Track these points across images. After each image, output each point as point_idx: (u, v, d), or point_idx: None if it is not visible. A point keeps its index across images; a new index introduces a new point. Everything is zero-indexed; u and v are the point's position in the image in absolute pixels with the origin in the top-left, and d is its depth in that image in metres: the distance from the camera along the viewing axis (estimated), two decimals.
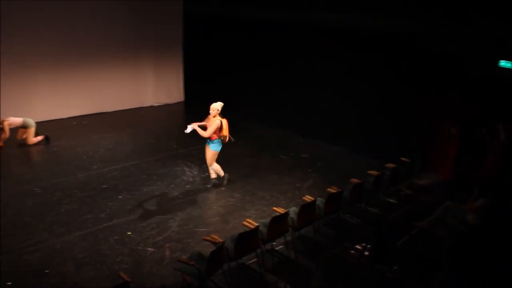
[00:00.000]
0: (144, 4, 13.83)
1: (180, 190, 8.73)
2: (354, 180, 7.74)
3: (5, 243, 6.68)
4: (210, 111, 8.44)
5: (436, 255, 6.22)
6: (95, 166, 9.74)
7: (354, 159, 10.60)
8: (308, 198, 7.10)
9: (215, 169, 8.81)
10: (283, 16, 12.05)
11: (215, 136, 8.42)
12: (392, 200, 8.36)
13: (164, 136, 12.03)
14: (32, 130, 10.69)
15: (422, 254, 6.45)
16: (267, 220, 6.39)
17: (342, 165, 10.27)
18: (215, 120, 8.34)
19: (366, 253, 6.59)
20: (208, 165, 8.76)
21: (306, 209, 6.67)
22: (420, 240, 6.74)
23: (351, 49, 10.94)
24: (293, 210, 6.80)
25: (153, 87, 14.92)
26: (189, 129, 8.35)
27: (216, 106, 8.43)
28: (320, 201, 7.11)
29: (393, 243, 6.61)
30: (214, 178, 8.92)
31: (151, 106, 14.91)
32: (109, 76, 13.82)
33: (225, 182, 8.98)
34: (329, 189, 7.47)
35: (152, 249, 6.71)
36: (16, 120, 10.51)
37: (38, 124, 11.08)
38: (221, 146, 8.56)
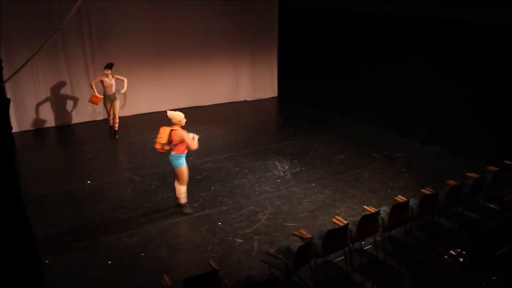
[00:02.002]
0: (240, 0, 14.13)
1: (270, 184, 8.83)
2: (451, 182, 7.36)
3: (107, 226, 7.18)
4: (175, 121, 7.24)
5: None
6: (190, 158, 10.10)
7: (451, 160, 10.09)
8: (400, 198, 6.89)
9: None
10: (380, 10, 11.70)
11: (185, 150, 7.33)
12: (493, 206, 7.83)
13: (256, 131, 12.22)
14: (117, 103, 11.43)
15: None
16: (357, 218, 6.30)
17: (438, 166, 9.81)
18: (181, 130, 7.22)
19: (461, 259, 6.26)
20: (185, 184, 7.61)
21: (398, 210, 6.47)
22: None
23: (451, 44, 10.36)
24: (384, 210, 6.63)
25: (247, 82, 15.22)
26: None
27: (182, 116, 7.32)
28: (413, 202, 6.86)
29: (492, 252, 6.20)
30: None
31: (245, 101, 15.21)
32: (205, 71, 14.31)
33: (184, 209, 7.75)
34: (423, 190, 7.18)
35: (241, 241, 6.87)
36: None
37: (139, 116, 11.77)
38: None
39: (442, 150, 10.58)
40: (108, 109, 11.30)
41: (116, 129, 11.44)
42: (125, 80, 11.27)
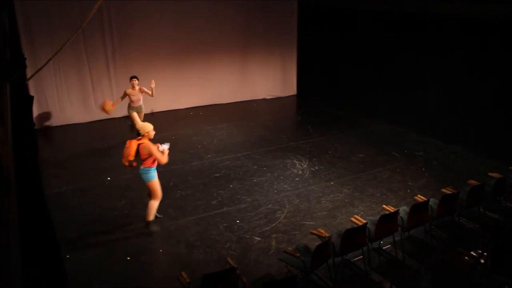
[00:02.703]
0: None
1: (289, 183, 8.82)
2: (473, 182, 7.27)
3: (126, 222, 7.26)
4: (143, 132, 6.73)
5: None
6: (209, 155, 10.18)
7: (472, 159, 9.94)
8: (420, 197, 6.83)
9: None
10: (400, 7, 11.58)
11: (154, 163, 6.87)
12: None
13: (275, 129, 12.21)
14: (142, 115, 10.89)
15: None
16: (375, 217, 6.27)
17: (459, 165, 9.67)
18: (149, 143, 6.75)
19: (482, 261, 6.17)
20: (159, 199, 7.11)
21: (418, 209, 6.41)
22: None
23: (474, 41, 10.20)
24: (403, 209, 6.58)
25: (266, 80, 15.21)
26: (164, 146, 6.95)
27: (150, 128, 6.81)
28: (433, 201, 6.78)
29: None
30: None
31: (264, 99, 15.21)
32: (224, 69, 14.35)
33: (150, 227, 7.16)
34: (443, 190, 7.11)
35: (259, 238, 6.88)
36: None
37: (159, 113, 11.83)
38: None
39: (463, 149, 10.43)
40: (133, 116, 10.62)
41: None
42: (151, 91, 10.47)
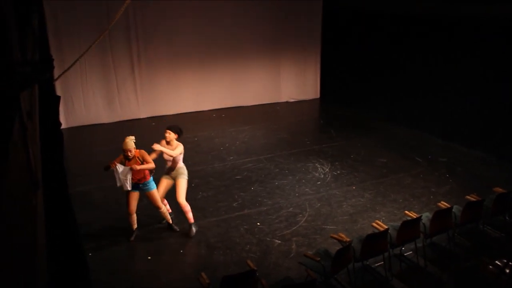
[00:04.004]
0: (284, 0, 14.12)
1: (310, 186, 8.80)
2: (498, 190, 7.14)
3: (148, 222, 7.33)
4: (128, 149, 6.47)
5: None
6: (231, 157, 10.22)
7: (498, 166, 9.75)
8: (443, 204, 6.74)
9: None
10: (425, 10, 11.45)
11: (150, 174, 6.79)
12: None
13: (298, 132, 12.20)
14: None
15: None
16: (397, 223, 6.21)
17: (484, 172, 9.49)
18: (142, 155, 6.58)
19: (507, 270, 6.05)
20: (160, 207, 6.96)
21: (441, 216, 6.32)
22: None
23: (499, 45, 10.01)
24: (426, 216, 6.49)
25: (289, 83, 15.20)
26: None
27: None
28: (456, 208, 6.68)
29: None
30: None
31: (287, 102, 15.20)
32: (247, 71, 14.41)
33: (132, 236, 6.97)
34: (468, 197, 6.99)
35: (279, 241, 6.88)
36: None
37: (182, 115, 11.93)
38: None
39: (488, 155, 10.23)
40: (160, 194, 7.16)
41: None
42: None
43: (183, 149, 6.92)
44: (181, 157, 6.99)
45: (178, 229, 7.14)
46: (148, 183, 6.70)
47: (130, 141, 6.48)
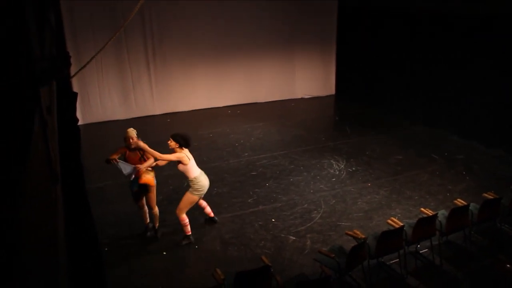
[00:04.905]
0: None
1: (325, 183, 8.77)
2: None
3: (163, 218, 7.36)
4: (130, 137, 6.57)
5: None
6: (246, 154, 10.24)
7: None
8: (460, 202, 6.67)
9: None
10: (442, 8, 11.32)
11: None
12: None
13: (313, 128, 12.17)
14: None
15: None
16: (413, 220, 6.17)
17: (501, 170, 9.36)
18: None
19: None
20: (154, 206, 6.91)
21: (457, 214, 6.27)
22: None
23: None
24: (442, 213, 6.44)
25: (305, 79, 15.15)
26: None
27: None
28: (473, 206, 6.61)
29: None
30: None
31: (302, 98, 15.17)
32: (262, 68, 14.39)
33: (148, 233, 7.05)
34: (485, 195, 6.91)
35: (294, 238, 6.88)
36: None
37: (196, 111, 11.97)
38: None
39: (506, 153, 10.10)
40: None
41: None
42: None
43: (184, 159, 6.49)
44: (191, 169, 6.62)
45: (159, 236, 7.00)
46: (151, 187, 6.68)
47: (132, 130, 6.61)
